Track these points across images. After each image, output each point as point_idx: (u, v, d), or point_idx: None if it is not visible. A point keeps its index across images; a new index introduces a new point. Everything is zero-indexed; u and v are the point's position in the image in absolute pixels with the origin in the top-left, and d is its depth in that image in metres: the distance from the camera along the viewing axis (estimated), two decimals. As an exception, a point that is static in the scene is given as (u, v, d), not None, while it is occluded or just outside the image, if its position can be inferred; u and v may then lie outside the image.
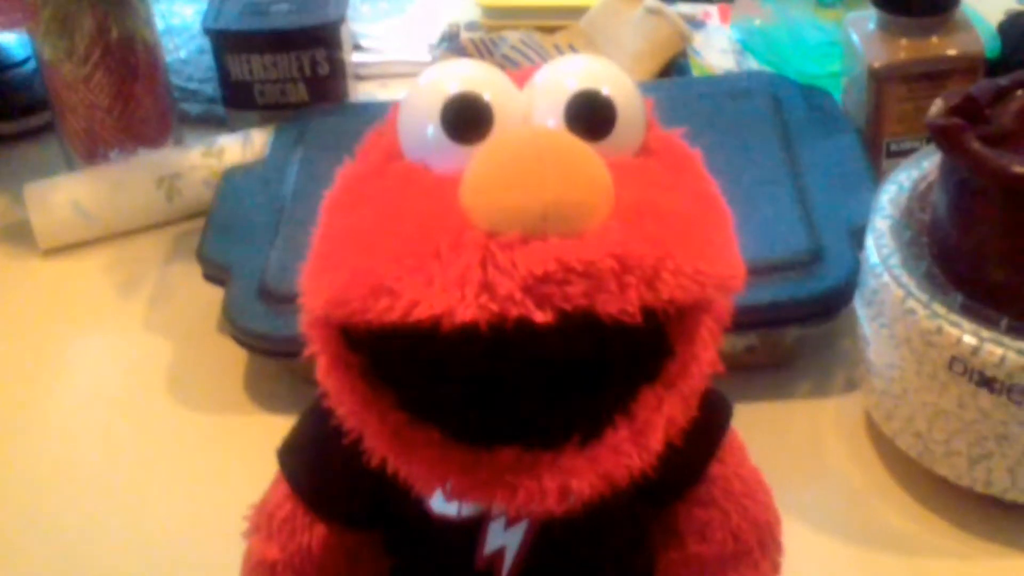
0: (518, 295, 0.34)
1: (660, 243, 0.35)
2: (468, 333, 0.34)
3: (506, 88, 0.38)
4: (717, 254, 0.37)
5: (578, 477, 0.38)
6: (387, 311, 0.34)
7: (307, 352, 0.39)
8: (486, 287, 0.34)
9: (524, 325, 0.34)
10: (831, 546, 0.60)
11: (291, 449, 0.45)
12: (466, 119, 0.37)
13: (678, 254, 0.35)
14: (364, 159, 0.39)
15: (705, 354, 0.39)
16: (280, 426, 0.46)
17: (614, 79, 0.38)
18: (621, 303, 0.34)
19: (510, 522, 0.42)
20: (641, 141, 0.39)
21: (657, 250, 0.35)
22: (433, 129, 0.37)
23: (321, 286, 0.37)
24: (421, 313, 0.34)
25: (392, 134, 0.39)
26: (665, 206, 0.36)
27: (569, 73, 0.38)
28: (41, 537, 0.63)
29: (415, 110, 0.38)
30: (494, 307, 0.34)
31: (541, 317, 0.34)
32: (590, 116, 0.37)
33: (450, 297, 0.34)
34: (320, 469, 0.44)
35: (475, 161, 0.36)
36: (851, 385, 0.68)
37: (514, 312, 0.34)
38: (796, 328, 0.67)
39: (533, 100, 0.38)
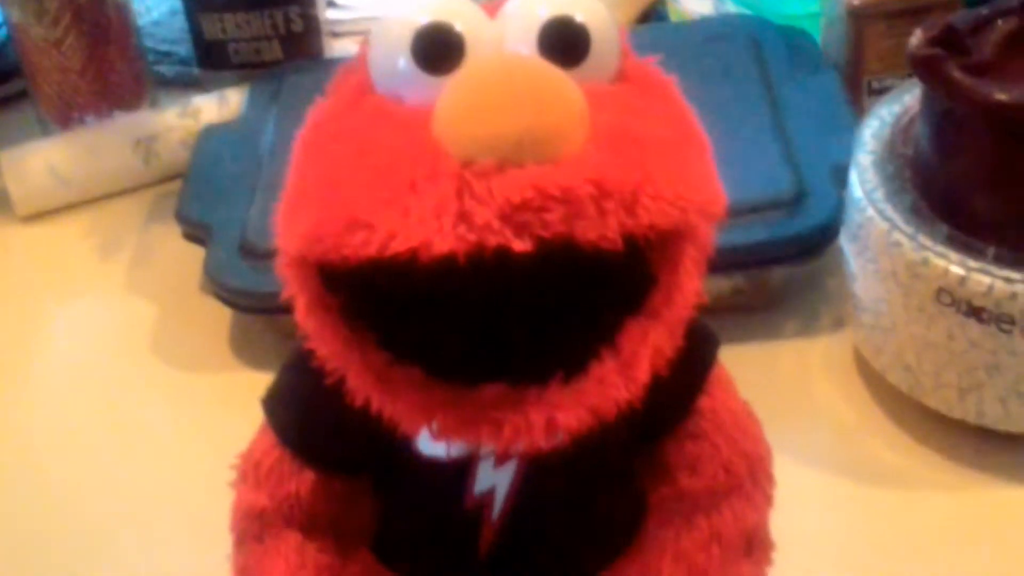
0: (496, 224, 0.33)
1: (639, 168, 0.35)
2: (446, 265, 0.33)
3: (477, 17, 0.37)
4: (697, 179, 0.37)
5: (564, 411, 0.37)
6: (363, 245, 0.34)
7: (285, 294, 0.38)
8: (463, 217, 0.33)
9: (503, 254, 0.33)
10: (824, 483, 0.60)
11: (275, 396, 0.45)
12: (437, 49, 0.36)
13: (657, 179, 0.35)
14: (335, 96, 0.39)
15: (689, 283, 0.38)
16: (266, 382, 0.46)
17: (587, 5, 0.37)
18: (601, 229, 0.34)
19: (499, 461, 0.42)
20: (616, 68, 0.38)
21: (636, 175, 0.34)
22: (404, 61, 0.36)
23: (295, 224, 0.36)
24: (398, 246, 0.33)
25: (363, 68, 0.38)
26: (642, 131, 0.36)
27: (541, 0, 0.37)
28: (28, 500, 0.63)
29: (385, 42, 0.37)
30: (472, 237, 0.33)
31: (520, 246, 0.33)
32: (563, 43, 0.37)
33: (427, 228, 0.33)
34: (305, 415, 0.44)
35: (448, 91, 0.35)
36: (839, 324, 0.67)
37: (492, 241, 0.33)
38: (782, 268, 0.67)
39: (505, 29, 0.37)
